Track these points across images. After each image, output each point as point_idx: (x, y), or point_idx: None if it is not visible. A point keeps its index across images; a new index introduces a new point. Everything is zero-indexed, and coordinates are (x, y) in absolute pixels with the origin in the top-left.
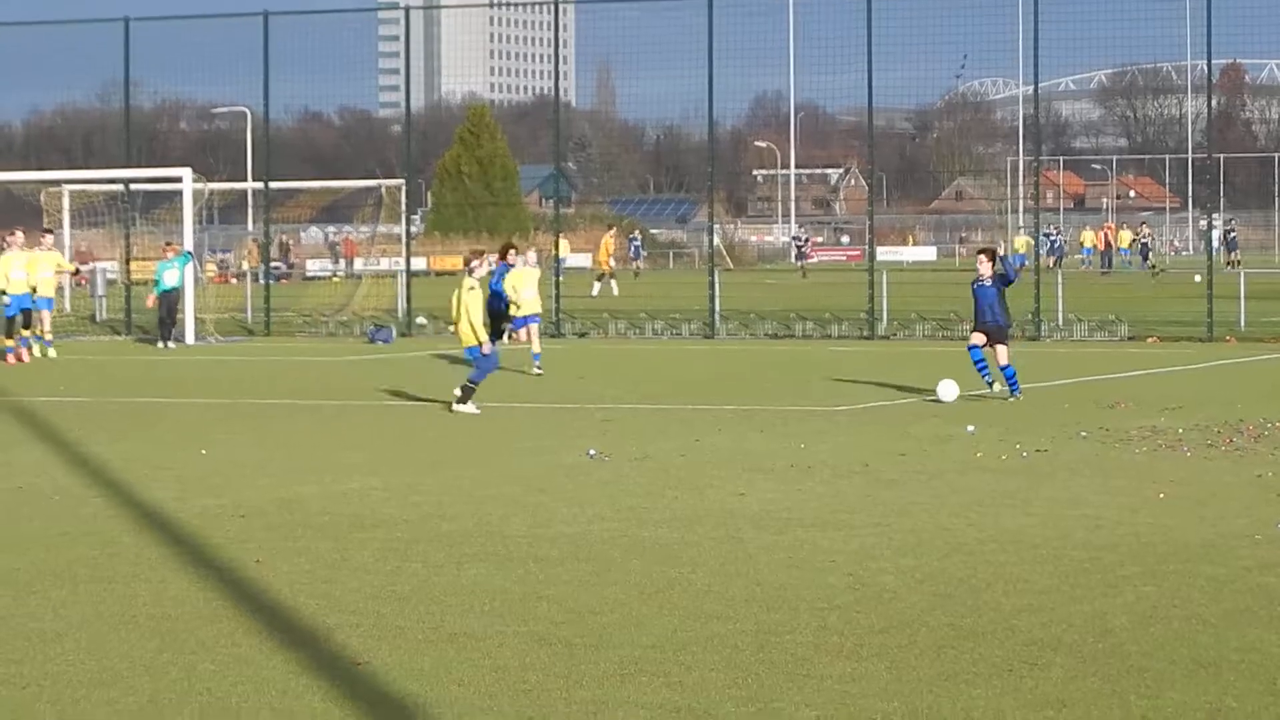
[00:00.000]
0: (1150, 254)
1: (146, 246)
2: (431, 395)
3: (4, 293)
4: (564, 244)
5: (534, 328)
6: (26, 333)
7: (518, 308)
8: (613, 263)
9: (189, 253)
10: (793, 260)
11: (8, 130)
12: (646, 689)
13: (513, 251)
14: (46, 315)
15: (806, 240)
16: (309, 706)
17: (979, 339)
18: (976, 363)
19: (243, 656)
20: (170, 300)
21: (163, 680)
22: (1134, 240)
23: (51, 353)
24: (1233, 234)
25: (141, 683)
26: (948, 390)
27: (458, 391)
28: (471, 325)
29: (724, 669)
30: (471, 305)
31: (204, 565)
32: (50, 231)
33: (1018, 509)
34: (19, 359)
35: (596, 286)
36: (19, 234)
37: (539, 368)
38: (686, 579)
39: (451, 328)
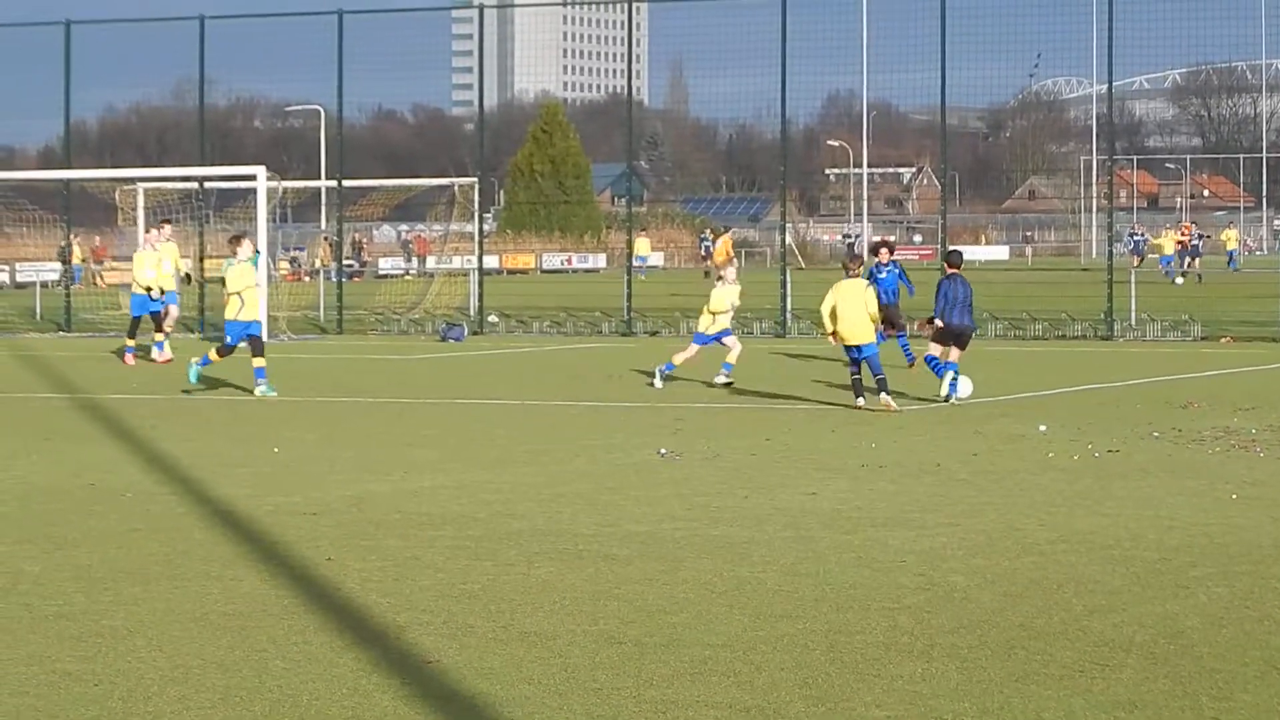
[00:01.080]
0: (1197, 258)
1: (221, 244)
2: (500, 394)
3: (149, 289)
4: (644, 242)
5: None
6: (160, 336)
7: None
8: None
9: (258, 251)
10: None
11: (83, 128)
12: (716, 688)
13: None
14: (174, 310)
15: (857, 238)
16: (379, 704)
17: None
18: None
19: (314, 654)
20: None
21: (235, 677)
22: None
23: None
24: None
25: (214, 680)
26: (965, 387)
27: (879, 395)
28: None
29: (794, 669)
30: (870, 302)
31: (275, 563)
32: (169, 221)
33: (1090, 509)
34: (155, 359)
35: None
36: (166, 228)
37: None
38: (757, 578)
39: (828, 333)
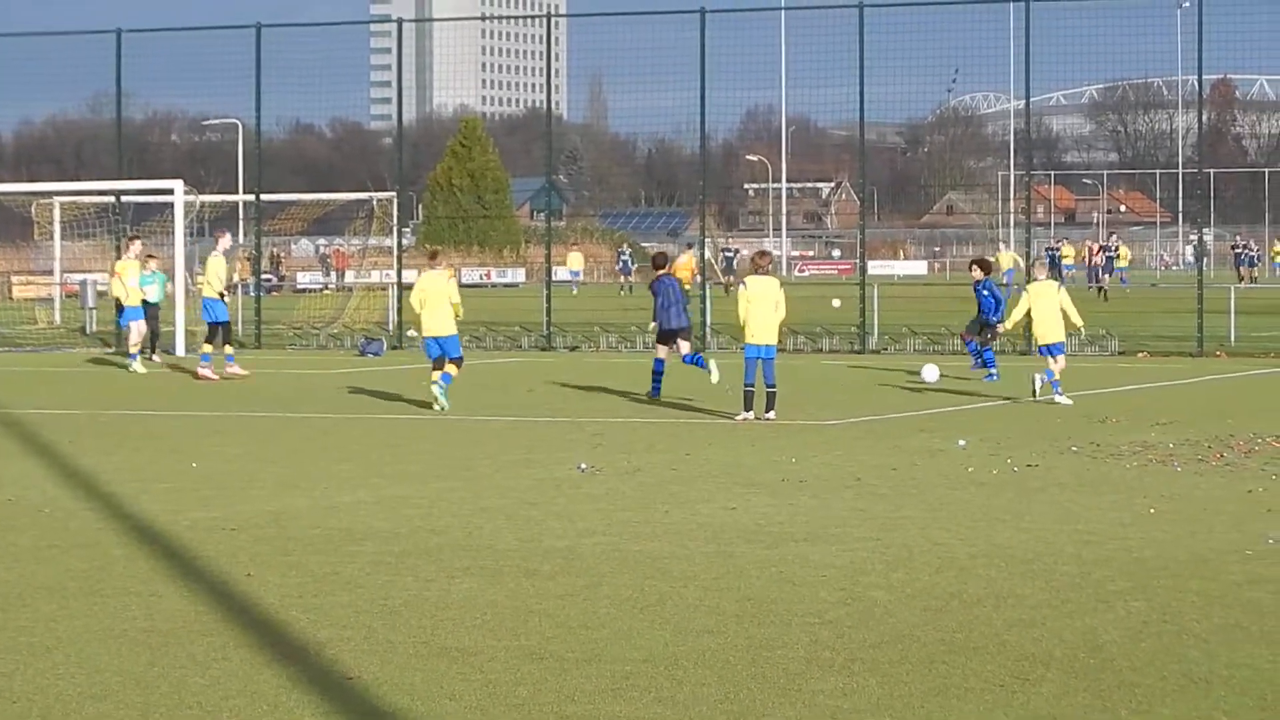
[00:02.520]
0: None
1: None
2: (421, 410)
3: (222, 295)
4: (577, 256)
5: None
6: (230, 349)
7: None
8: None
9: (164, 274)
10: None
11: None
12: (638, 704)
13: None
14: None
15: (736, 253)
16: None
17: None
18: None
19: (234, 670)
20: (152, 314)
21: (154, 694)
22: (1080, 256)
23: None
24: (1249, 252)
25: (133, 697)
26: (930, 373)
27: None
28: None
29: (716, 684)
30: (781, 303)
31: (195, 579)
32: (138, 238)
33: (1009, 524)
34: (229, 374)
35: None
36: (227, 236)
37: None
38: (678, 593)
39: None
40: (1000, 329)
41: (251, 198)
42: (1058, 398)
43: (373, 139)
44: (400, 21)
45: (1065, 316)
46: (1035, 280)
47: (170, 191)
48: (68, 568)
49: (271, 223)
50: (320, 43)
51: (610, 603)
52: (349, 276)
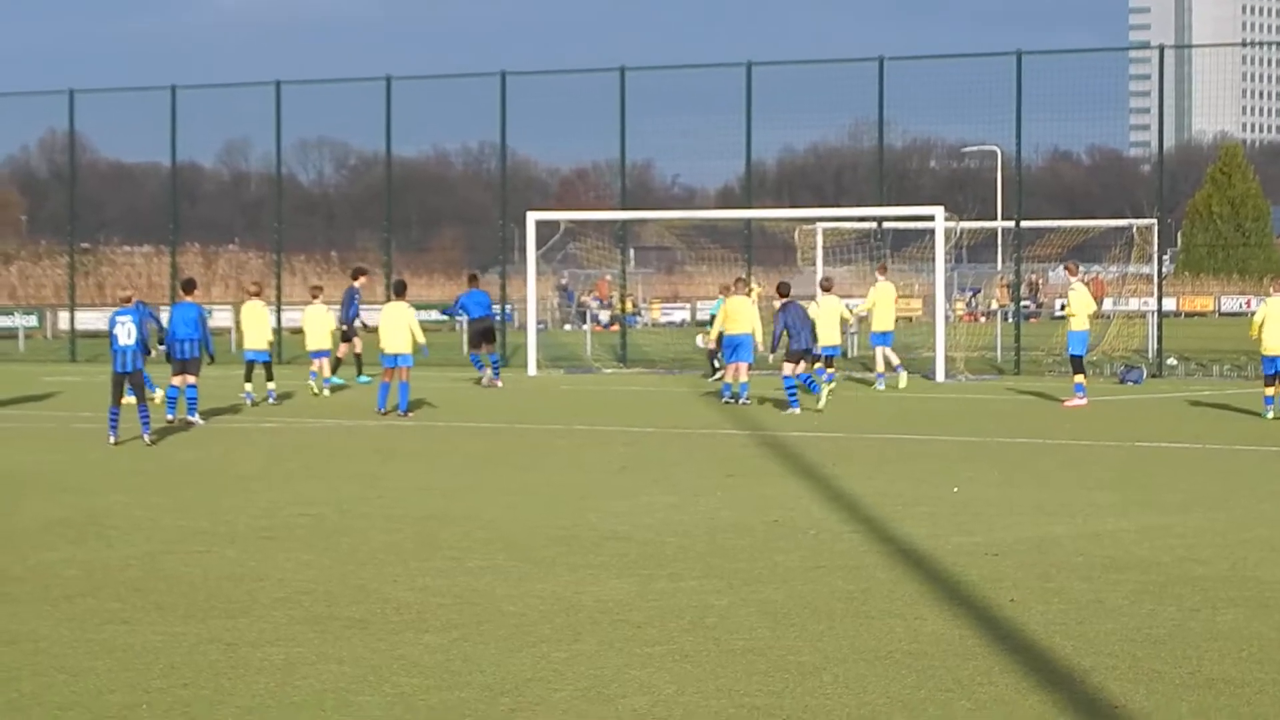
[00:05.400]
0: None
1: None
2: (1180, 438)
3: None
4: None
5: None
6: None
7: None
8: None
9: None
10: None
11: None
12: None
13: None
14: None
15: None
16: None
17: None
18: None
19: (999, 696)
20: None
21: (921, 717)
22: None
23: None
24: None
25: (900, 719)
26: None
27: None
28: None
29: None
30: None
31: (958, 603)
32: (365, 273)
33: None
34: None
35: None
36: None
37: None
38: None
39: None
40: None
41: (1010, 224)
42: None
43: (1130, 166)
44: (1161, 48)
45: None
46: None
47: (930, 218)
48: (833, 588)
49: (1030, 249)
50: (1078, 70)
51: None
52: (1106, 304)
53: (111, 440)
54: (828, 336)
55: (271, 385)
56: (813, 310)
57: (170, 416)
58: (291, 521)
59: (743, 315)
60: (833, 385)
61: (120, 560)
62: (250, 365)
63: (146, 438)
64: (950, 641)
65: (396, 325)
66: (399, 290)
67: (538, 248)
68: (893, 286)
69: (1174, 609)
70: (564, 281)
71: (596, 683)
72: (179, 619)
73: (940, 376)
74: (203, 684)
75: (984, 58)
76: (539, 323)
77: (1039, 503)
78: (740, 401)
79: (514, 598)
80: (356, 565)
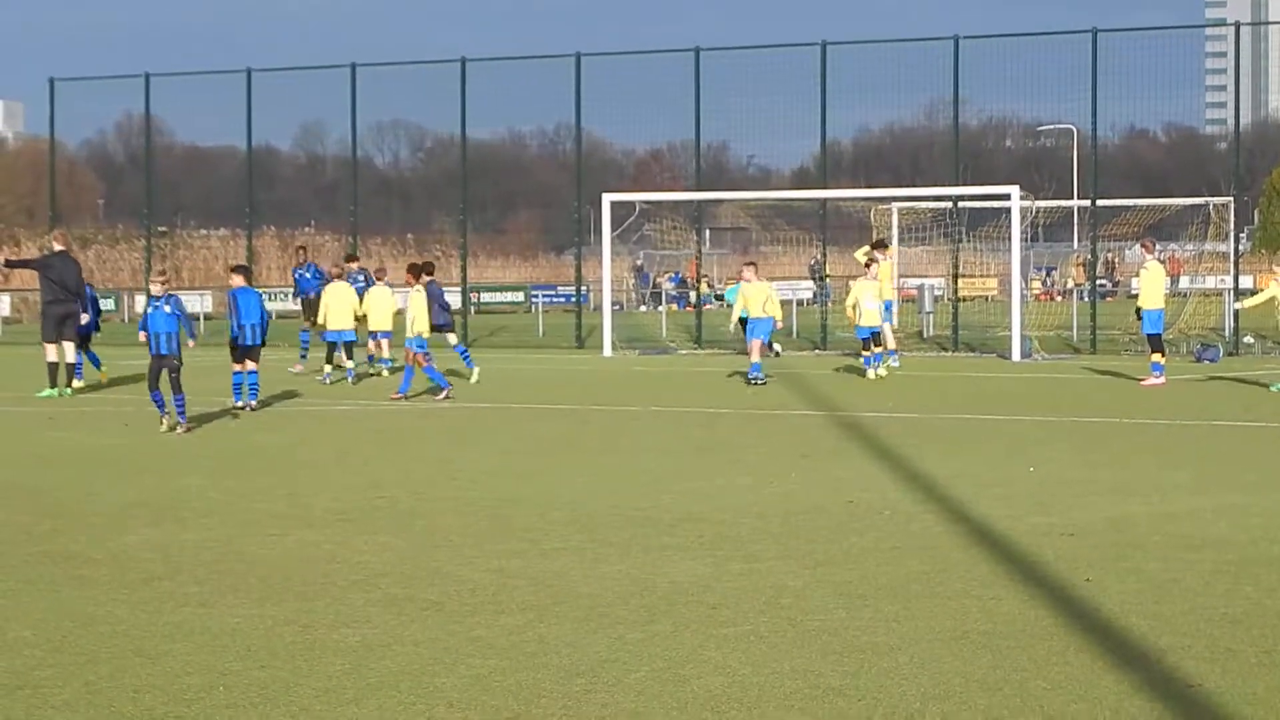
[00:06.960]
0: None
1: (973, 264)
2: (1258, 417)
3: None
4: None
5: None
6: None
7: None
8: None
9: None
10: None
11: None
12: None
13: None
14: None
15: None
16: None
17: None
18: None
19: (1075, 675)
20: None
21: (996, 696)
22: None
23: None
24: None
25: (976, 698)
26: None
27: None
28: None
29: None
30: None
31: (1034, 582)
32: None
33: None
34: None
35: None
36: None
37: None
38: None
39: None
40: None
41: (1086, 203)
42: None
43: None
44: (1238, 25)
45: None
46: None
47: (1006, 197)
48: (908, 569)
49: (1106, 228)
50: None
51: None
52: (1183, 282)
53: (163, 427)
54: (868, 318)
55: (350, 364)
56: (856, 290)
57: (237, 403)
58: (366, 504)
59: (757, 299)
60: (880, 366)
61: (196, 543)
62: (331, 345)
63: (182, 426)
64: (1026, 621)
65: (419, 312)
66: (418, 272)
67: (613, 229)
68: (892, 265)
69: (1251, 588)
70: (639, 263)
71: (671, 664)
72: (255, 601)
73: (1016, 356)
74: (279, 666)
75: (1060, 36)
76: (614, 304)
77: (1115, 482)
78: (750, 380)
79: (589, 579)
80: (432, 547)
